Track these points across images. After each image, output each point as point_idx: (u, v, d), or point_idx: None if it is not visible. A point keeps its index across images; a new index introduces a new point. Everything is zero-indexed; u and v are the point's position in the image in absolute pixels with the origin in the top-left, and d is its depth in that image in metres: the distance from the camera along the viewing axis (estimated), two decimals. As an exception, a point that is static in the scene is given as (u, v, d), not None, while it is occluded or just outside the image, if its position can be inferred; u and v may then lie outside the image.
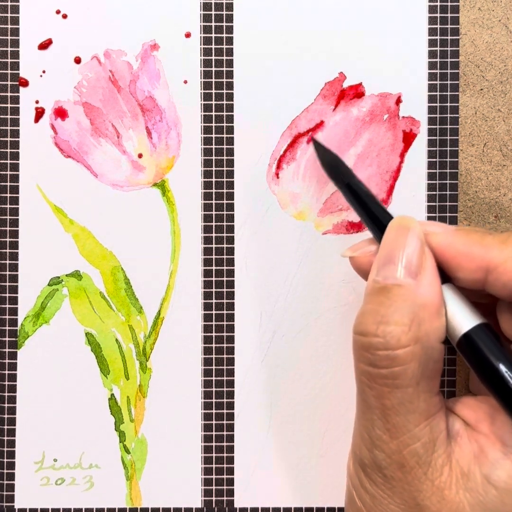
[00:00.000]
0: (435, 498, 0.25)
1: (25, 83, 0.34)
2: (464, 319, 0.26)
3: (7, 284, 0.34)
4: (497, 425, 0.26)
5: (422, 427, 0.25)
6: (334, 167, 0.31)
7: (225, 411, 0.34)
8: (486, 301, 0.28)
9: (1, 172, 0.34)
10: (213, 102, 0.34)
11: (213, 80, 0.34)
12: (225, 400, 0.34)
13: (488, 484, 0.25)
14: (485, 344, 0.25)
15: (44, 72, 0.34)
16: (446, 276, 0.27)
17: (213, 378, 0.34)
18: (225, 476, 0.34)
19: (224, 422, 0.34)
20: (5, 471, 0.34)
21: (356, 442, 0.27)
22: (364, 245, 0.29)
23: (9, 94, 0.34)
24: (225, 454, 0.34)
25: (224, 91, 0.34)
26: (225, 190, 0.34)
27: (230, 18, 0.34)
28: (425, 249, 0.27)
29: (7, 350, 0.34)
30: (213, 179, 0.34)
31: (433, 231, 0.27)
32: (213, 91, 0.34)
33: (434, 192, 0.34)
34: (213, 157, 0.34)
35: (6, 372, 0.34)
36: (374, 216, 0.29)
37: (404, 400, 0.25)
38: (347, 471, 0.28)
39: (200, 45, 0.34)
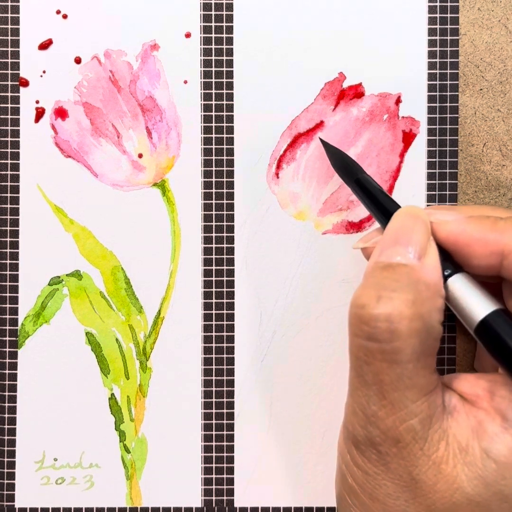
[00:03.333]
0: (431, 473, 0.25)
1: (25, 83, 0.34)
2: (480, 306, 0.26)
3: (8, 283, 0.34)
4: (497, 400, 0.26)
5: (419, 404, 0.25)
6: (342, 164, 0.31)
7: (225, 410, 0.34)
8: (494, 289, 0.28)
9: (2, 172, 0.34)
10: (213, 102, 0.34)
11: (213, 80, 0.34)
12: (225, 399, 0.34)
13: (487, 458, 0.25)
14: (503, 329, 0.25)
15: (44, 72, 0.34)
16: (458, 265, 0.27)
17: (213, 377, 0.34)
18: (225, 476, 0.34)
19: (224, 421, 0.34)
20: (5, 470, 0.34)
21: (349, 419, 0.26)
22: (375, 235, 0.29)
23: (9, 94, 0.34)
24: (225, 454, 0.34)
25: (224, 91, 0.34)
26: (225, 190, 0.34)
27: (230, 18, 0.34)
28: (431, 238, 0.27)
29: (7, 349, 0.34)
30: (213, 179, 0.34)
31: (444, 220, 0.27)
32: (213, 91, 0.34)
33: (434, 192, 0.34)
34: (213, 157, 0.34)
35: (7, 371, 0.34)
36: (384, 209, 0.29)
37: (403, 375, 0.25)
38: (338, 449, 0.28)
39: (200, 45, 0.34)
